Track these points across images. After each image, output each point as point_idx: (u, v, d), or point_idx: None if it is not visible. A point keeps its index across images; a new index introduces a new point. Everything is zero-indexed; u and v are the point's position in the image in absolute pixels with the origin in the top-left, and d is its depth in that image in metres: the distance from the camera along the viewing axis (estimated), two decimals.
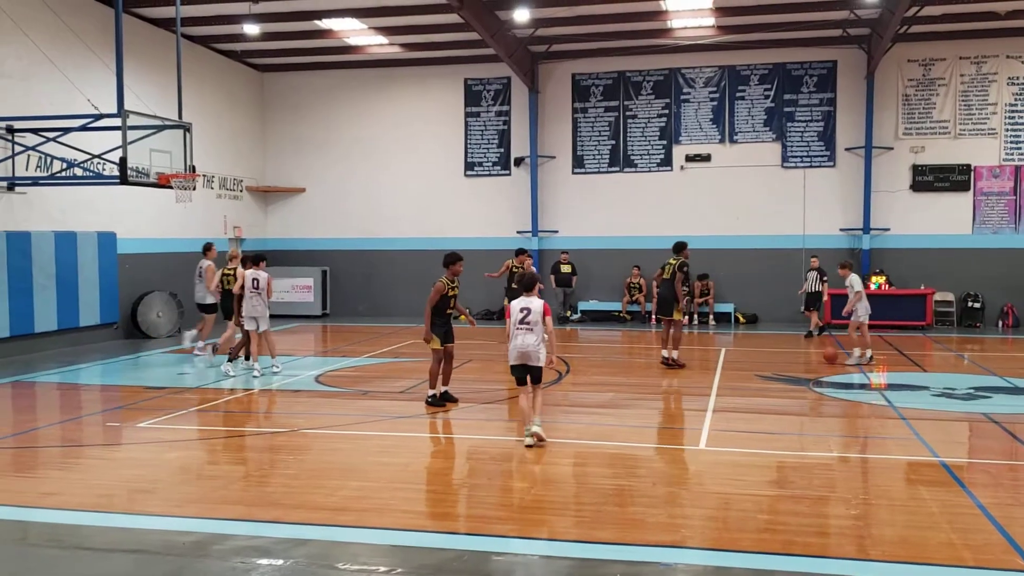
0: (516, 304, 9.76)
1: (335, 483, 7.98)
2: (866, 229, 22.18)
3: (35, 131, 15.83)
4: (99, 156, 15.44)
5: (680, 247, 15.45)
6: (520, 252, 16.42)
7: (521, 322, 9.61)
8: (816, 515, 7.13)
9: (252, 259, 14.51)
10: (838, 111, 22.61)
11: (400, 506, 7.29)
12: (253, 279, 14.14)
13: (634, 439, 9.79)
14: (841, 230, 22.55)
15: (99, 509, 7.31)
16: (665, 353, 15.19)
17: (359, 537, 6.57)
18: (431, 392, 11.67)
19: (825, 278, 19.73)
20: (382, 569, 5.99)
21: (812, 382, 13.48)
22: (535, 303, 9.67)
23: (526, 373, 9.63)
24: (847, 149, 22.52)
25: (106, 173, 16.31)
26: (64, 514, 7.18)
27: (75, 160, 16.09)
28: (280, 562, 6.08)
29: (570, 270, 23.05)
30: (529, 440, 9.25)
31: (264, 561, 6.09)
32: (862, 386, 13.44)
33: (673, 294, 15.14)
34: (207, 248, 16.38)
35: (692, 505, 7.39)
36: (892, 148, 22.21)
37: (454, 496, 7.89)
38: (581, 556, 6.20)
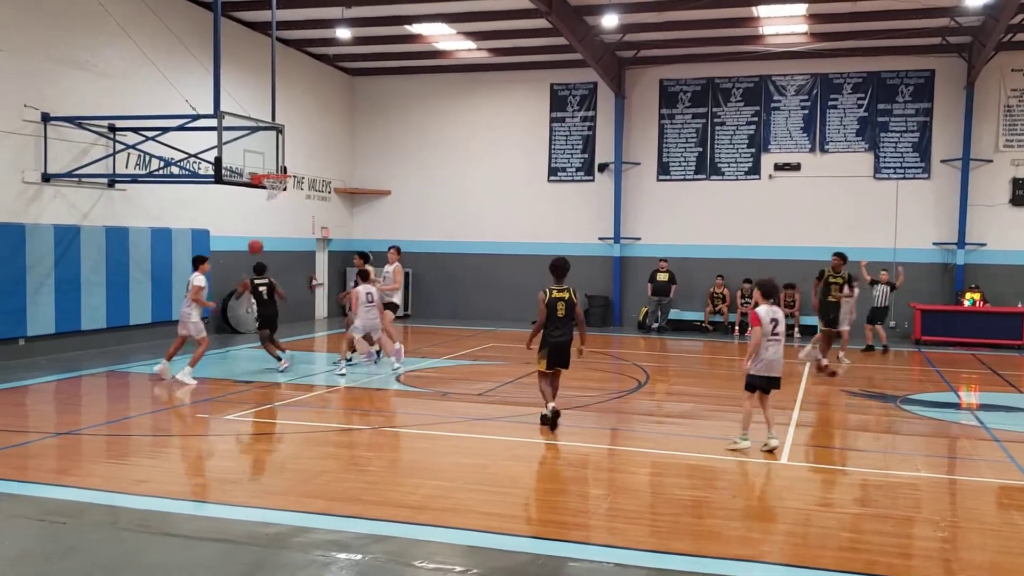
0: (766, 314, 9.61)
1: (414, 481, 8.07)
2: (961, 244, 21.49)
3: (135, 130, 16.43)
4: (195, 155, 15.94)
5: (843, 257, 15.98)
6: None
7: (773, 332, 9.61)
8: (901, 535, 6.94)
9: (362, 276, 14.98)
10: (935, 122, 21.97)
11: (477, 507, 7.34)
12: (367, 294, 14.67)
13: (714, 451, 9.67)
14: (934, 244, 21.90)
15: (187, 497, 7.55)
16: (825, 361, 15.23)
17: (436, 536, 6.64)
18: (543, 412, 10.57)
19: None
20: (458, 569, 6.03)
21: (900, 399, 13.11)
22: (779, 313, 9.72)
23: (770, 385, 9.71)
24: (943, 161, 21.86)
25: (201, 172, 16.82)
26: (153, 501, 7.41)
27: (172, 159, 16.63)
28: (358, 557, 6.18)
29: (667, 279, 22.77)
30: (735, 447, 9.41)
31: (343, 555, 6.20)
32: (953, 405, 13.02)
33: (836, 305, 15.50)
34: (200, 260, 14.02)
35: (771, 520, 7.27)
36: (991, 161, 21.48)
37: (531, 500, 7.90)
38: (656, 566, 6.15)
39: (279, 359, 14.57)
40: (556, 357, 10.39)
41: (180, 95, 16.43)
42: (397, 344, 15.36)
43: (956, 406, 13.05)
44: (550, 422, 10.39)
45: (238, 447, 9.69)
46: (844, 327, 16.49)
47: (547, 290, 10.39)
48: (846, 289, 15.89)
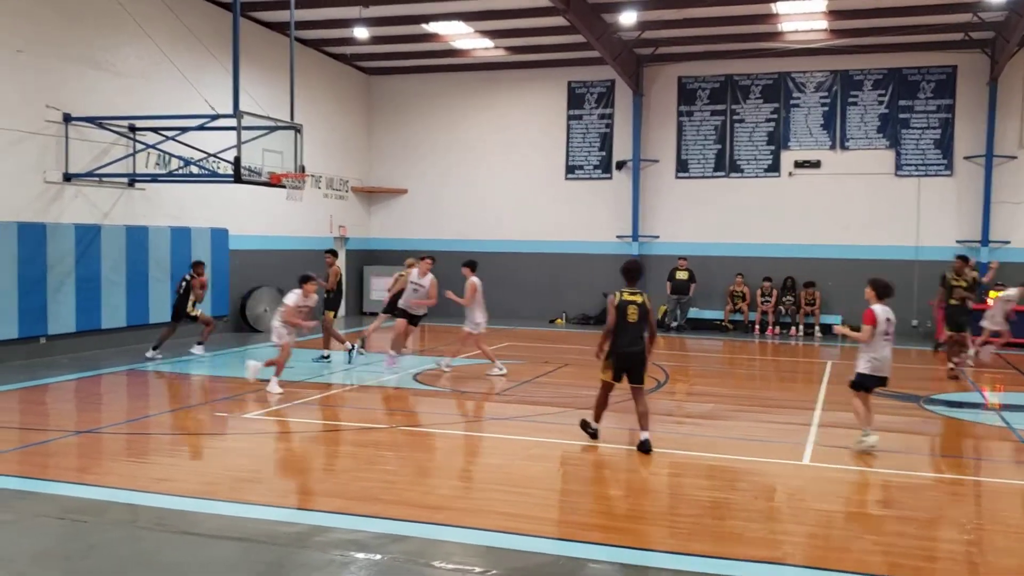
0: (882, 312, 9.57)
1: (433, 481, 8.06)
2: (984, 241, 21.27)
3: (155, 130, 16.50)
4: (214, 155, 15.99)
5: (965, 259, 15.77)
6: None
7: (886, 333, 9.59)
8: (926, 538, 6.86)
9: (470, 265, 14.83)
10: (957, 118, 21.75)
11: (496, 507, 7.31)
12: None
13: (734, 451, 9.59)
14: (957, 242, 21.68)
15: (206, 496, 7.55)
16: (952, 364, 15.23)
17: (455, 536, 6.61)
18: (593, 425, 9.81)
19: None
20: (477, 570, 6.00)
21: (923, 399, 12.98)
22: (892, 313, 9.69)
23: (878, 385, 9.75)
24: (966, 158, 21.64)
25: (221, 171, 16.87)
26: (173, 499, 7.43)
27: (191, 158, 16.68)
28: (377, 556, 6.16)
29: (687, 277, 22.63)
30: (863, 446, 9.36)
31: (361, 555, 6.18)
32: (977, 406, 12.88)
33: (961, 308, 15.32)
34: (305, 280, 13.01)
35: (793, 521, 7.19)
36: (1015, 157, 21.24)
37: (550, 500, 7.86)
38: (677, 567, 6.09)
39: (350, 350, 15.69)
40: (624, 368, 9.51)
41: (199, 95, 16.49)
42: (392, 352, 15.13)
43: (980, 406, 12.91)
44: (590, 431, 9.75)
45: (256, 446, 9.69)
46: (993, 326, 16.18)
47: (617, 293, 9.55)
48: (1012, 291, 15.90)
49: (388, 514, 7.06)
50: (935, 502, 7.88)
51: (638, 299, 9.47)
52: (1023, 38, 19.04)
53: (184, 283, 15.91)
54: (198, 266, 15.98)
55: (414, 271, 15.07)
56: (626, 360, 9.46)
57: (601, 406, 9.80)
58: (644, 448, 9.21)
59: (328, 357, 15.72)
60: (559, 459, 9.33)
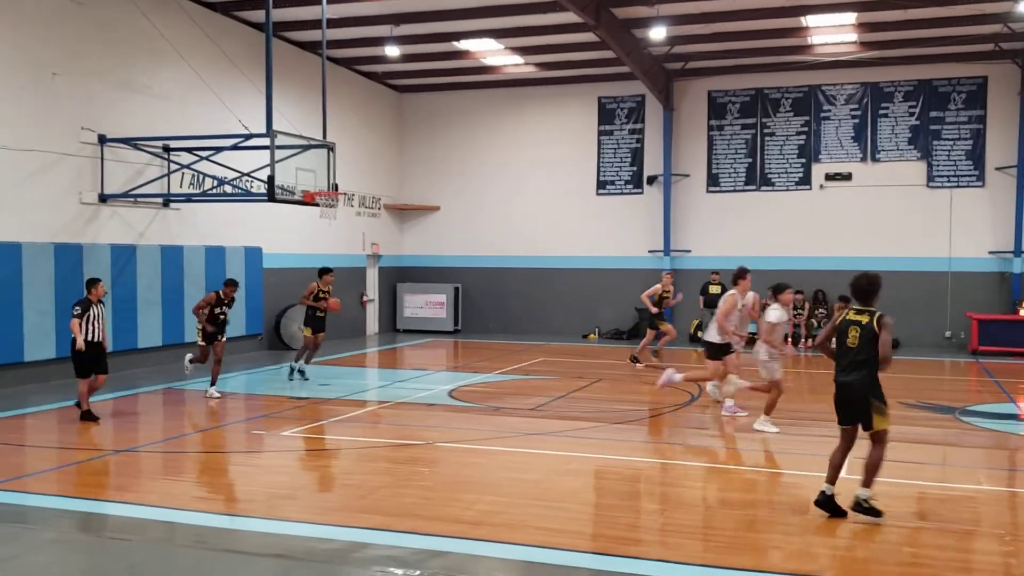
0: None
1: (470, 497, 8.09)
2: (1017, 252, 21.04)
3: (189, 150, 16.75)
4: (248, 174, 16.19)
5: None
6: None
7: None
8: (964, 550, 6.80)
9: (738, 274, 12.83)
10: (988, 129, 21.57)
11: (533, 522, 7.33)
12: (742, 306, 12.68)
13: (769, 464, 9.55)
14: (990, 253, 21.47)
15: (244, 514, 7.63)
16: None
17: (493, 551, 6.64)
18: (828, 490, 7.60)
19: None
20: None
21: (958, 411, 12.84)
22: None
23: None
24: (997, 168, 21.44)
25: (254, 191, 17.07)
26: (212, 517, 7.52)
27: (225, 178, 16.91)
28: (416, 572, 6.20)
29: (719, 291, 22.46)
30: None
31: (400, 571, 6.22)
32: (1013, 417, 12.73)
33: None
34: (780, 290, 12.04)
35: (831, 534, 7.15)
36: None
37: (586, 515, 7.88)
38: None
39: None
40: (838, 404, 7.83)
41: (233, 115, 16.72)
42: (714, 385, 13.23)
43: (1016, 417, 12.76)
44: (824, 505, 7.53)
45: (294, 463, 9.79)
46: None
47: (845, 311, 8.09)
48: None
49: (426, 530, 7.10)
50: (973, 514, 7.81)
51: (863, 319, 7.79)
52: None
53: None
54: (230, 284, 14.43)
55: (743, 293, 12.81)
56: (839, 394, 7.81)
57: (832, 462, 7.74)
58: (858, 508, 7.41)
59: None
60: (595, 474, 9.34)
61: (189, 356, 14.22)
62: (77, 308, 11.67)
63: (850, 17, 18.63)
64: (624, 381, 15.90)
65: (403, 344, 22.18)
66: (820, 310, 22.15)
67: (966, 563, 6.55)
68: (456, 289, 25.29)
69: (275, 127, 15.01)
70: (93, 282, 12.01)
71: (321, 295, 15.17)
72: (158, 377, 15.66)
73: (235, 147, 16.00)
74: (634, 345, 22.14)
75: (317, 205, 15.92)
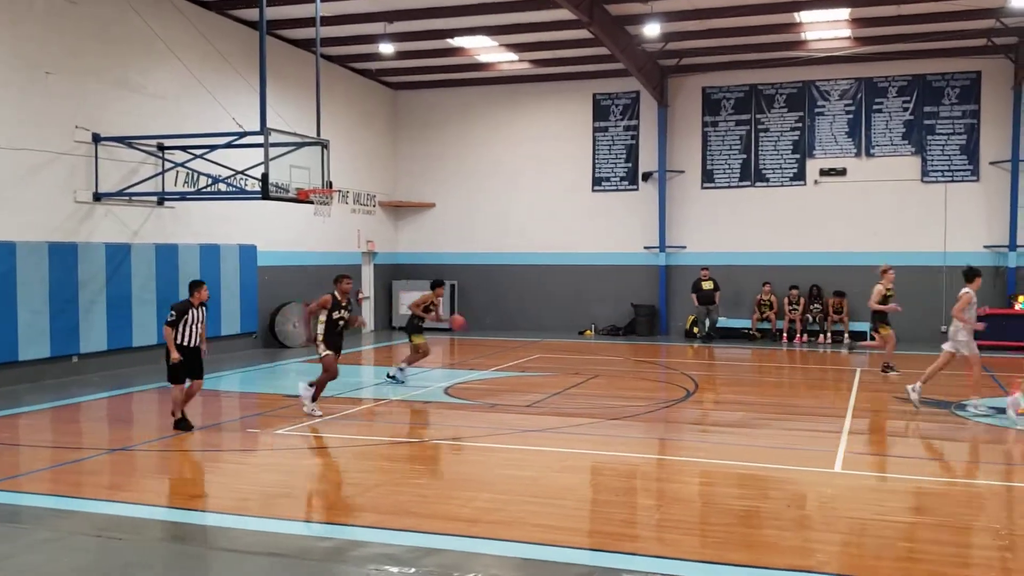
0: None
1: (467, 494, 8.08)
2: (1012, 246, 21.07)
3: (183, 148, 16.71)
4: (242, 172, 16.17)
5: None
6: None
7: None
8: (960, 545, 6.82)
9: (971, 273, 12.64)
10: (982, 123, 21.60)
11: (530, 519, 7.33)
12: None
13: (766, 460, 9.56)
14: (985, 247, 21.49)
15: (240, 512, 7.61)
16: None
17: (490, 549, 6.63)
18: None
19: None
20: None
21: (954, 405, 12.86)
22: None
23: None
24: (992, 163, 21.47)
25: (249, 188, 17.04)
26: (207, 516, 7.51)
27: (219, 176, 16.87)
28: (412, 570, 6.19)
29: (712, 286, 22.50)
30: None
31: (396, 569, 6.21)
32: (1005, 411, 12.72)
33: None
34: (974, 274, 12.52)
35: (827, 529, 7.16)
36: None
37: (583, 511, 7.88)
38: None
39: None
40: None
41: (227, 113, 16.69)
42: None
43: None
44: None
45: (289, 461, 9.77)
46: None
47: None
48: None
49: (422, 528, 7.09)
50: (968, 508, 7.82)
51: None
52: None
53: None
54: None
55: None
56: None
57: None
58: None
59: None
60: (592, 470, 9.34)
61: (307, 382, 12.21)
62: (172, 313, 10.78)
63: (844, 13, 18.64)
64: (621, 377, 15.90)
65: (399, 342, 22.14)
66: (815, 305, 22.17)
67: (962, 557, 6.56)
68: (452, 286, 25.25)
69: (269, 125, 14.96)
70: (197, 285, 11.11)
71: (431, 307, 15.16)
72: (153, 376, 15.60)
73: (229, 145, 15.95)
74: (631, 342, 22.19)
75: (311, 203, 15.90)
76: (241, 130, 15.48)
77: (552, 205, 24.78)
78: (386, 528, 7.09)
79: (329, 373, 11.80)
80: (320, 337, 11.78)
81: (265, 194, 14.84)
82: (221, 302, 18.47)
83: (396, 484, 8.60)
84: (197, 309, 11.00)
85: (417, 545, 6.68)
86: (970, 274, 12.77)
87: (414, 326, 15.28)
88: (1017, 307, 20.43)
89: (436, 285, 15.37)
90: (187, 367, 10.99)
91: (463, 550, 6.59)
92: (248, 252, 19.46)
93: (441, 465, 9.47)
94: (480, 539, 6.81)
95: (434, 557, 6.44)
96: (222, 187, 17.28)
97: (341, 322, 11.86)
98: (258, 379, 15.98)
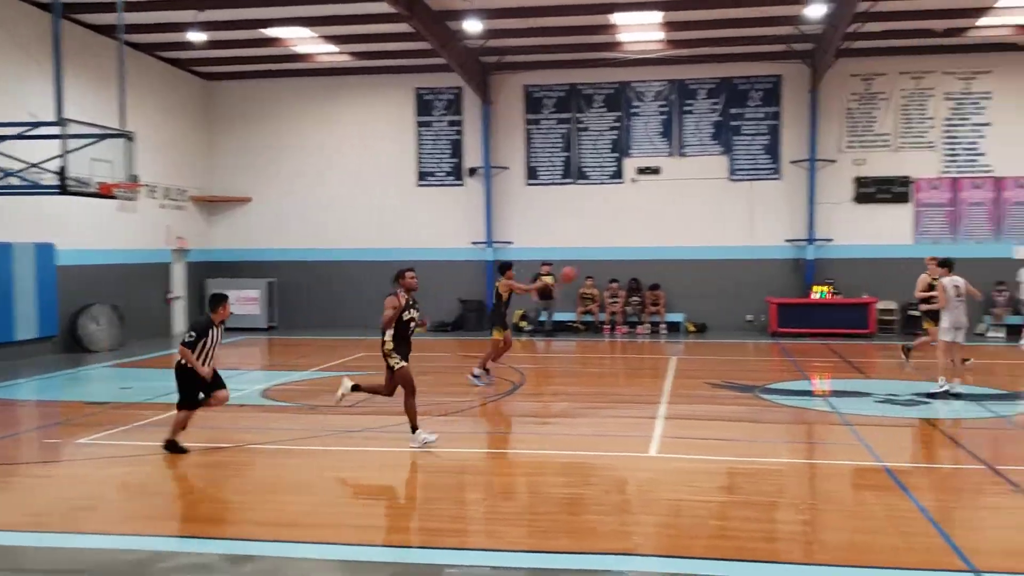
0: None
1: (283, 498, 7.80)
2: (811, 240, 22.50)
3: None
4: (36, 165, 15.01)
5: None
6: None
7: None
8: (766, 520, 7.18)
9: (944, 263, 13.01)
10: (783, 125, 22.92)
11: (351, 521, 7.16)
12: (954, 286, 12.68)
13: (587, 448, 9.76)
14: (787, 241, 22.84)
15: (36, 529, 7.05)
16: None
17: (309, 553, 6.43)
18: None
19: None
20: None
21: (759, 389, 13.58)
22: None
23: None
24: (792, 162, 22.83)
25: (44, 183, 15.87)
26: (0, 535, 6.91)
27: (11, 169, 15.63)
28: None
29: (552, 281, 22.74)
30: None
31: None
32: (807, 393, 13.58)
33: None
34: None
35: (644, 512, 7.37)
36: (835, 161, 22.56)
37: (407, 509, 7.79)
38: (535, 566, 6.14)
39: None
40: None
41: (19, 102, 15.49)
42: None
43: (810, 393, 13.62)
44: None
45: (92, 472, 9.14)
46: None
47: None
48: None
49: (238, 535, 6.81)
50: (773, 486, 8.26)
51: None
52: (839, 50, 20.28)
53: None
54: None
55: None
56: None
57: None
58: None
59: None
60: (418, 468, 9.23)
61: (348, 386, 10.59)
62: (192, 334, 9.43)
63: (656, 16, 19.29)
64: (449, 374, 15.85)
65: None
66: (635, 298, 22.90)
67: (768, 533, 6.91)
68: (270, 284, 24.52)
69: (67, 115, 14.02)
70: (219, 299, 9.71)
71: (516, 289, 14.66)
72: None
73: (20, 136, 14.81)
74: (459, 337, 22.21)
75: (115, 198, 15.00)
76: (34, 120, 14.41)
77: (377, 200, 24.44)
78: (198, 537, 6.76)
79: (410, 387, 9.86)
80: (390, 346, 9.93)
81: (63, 189, 13.89)
82: (15, 304, 17.18)
83: (209, 491, 8.22)
84: (217, 328, 9.69)
85: (232, 553, 6.39)
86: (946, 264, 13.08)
87: (499, 316, 14.36)
88: (814, 296, 21.82)
89: (506, 268, 14.60)
90: (204, 385, 9.75)
91: (281, 555, 6.36)
92: (45, 251, 18.14)
93: (257, 470, 9.11)
94: (298, 543, 6.59)
95: (250, 564, 6.18)
96: (14, 181, 16.02)
97: (412, 323, 10.13)
98: (58, 386, 14.94)
